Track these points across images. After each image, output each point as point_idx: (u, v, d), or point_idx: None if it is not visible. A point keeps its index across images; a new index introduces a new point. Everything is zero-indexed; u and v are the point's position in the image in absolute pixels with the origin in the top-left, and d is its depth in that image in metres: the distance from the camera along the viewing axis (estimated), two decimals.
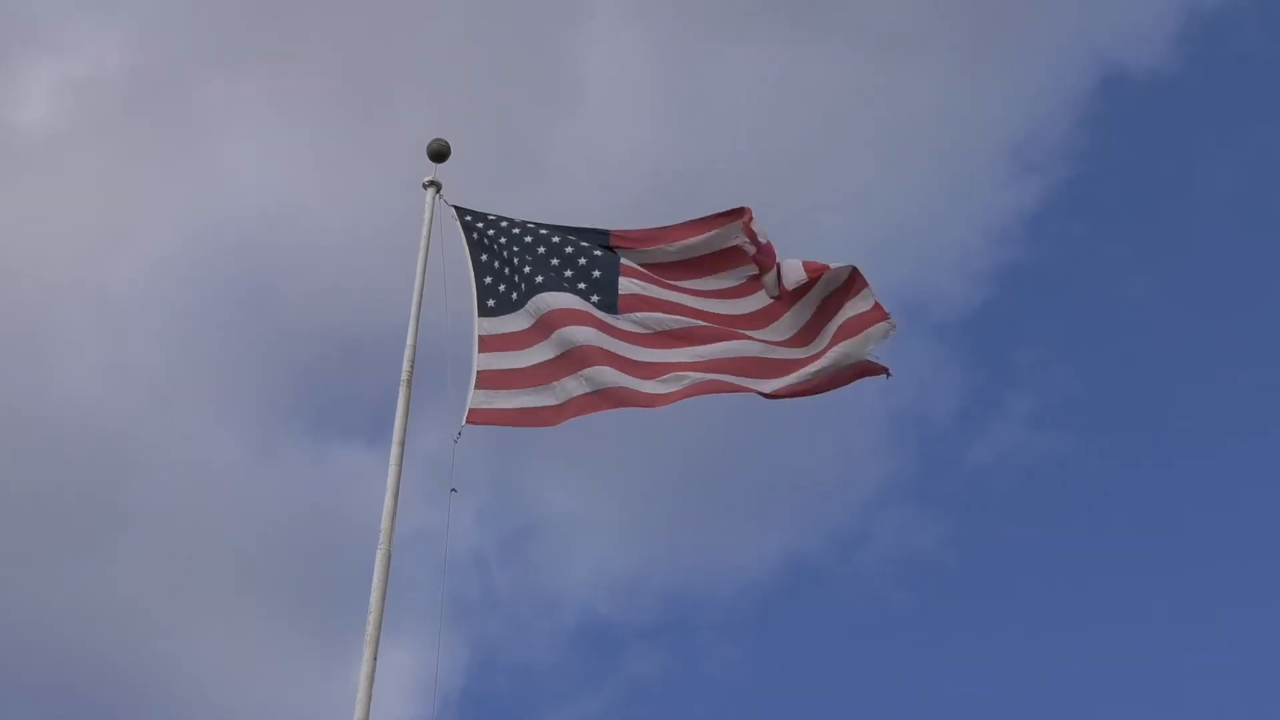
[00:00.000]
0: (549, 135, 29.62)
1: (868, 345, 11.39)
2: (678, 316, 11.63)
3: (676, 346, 11.47)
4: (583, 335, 11.31)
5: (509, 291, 11.63)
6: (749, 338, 11.55)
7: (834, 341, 11.41)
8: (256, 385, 28.90)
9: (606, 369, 11.20)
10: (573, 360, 11.25)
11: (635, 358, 11.37)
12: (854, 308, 11.47)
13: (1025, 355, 32.36)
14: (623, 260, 11.84)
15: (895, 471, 30.35)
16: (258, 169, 30.22)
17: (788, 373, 11.43)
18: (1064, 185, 33.14)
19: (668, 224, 12.08)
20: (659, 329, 11.54)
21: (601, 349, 11.29)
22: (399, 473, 10.75)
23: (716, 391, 11.30)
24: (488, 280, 11.69)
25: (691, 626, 29.12)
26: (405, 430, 10.93)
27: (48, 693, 25.65)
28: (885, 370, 11.39)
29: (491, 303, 11.57)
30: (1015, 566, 29.86)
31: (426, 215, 11.84)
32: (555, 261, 11.75)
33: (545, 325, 11.42)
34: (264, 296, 28.95)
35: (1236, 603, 28.31)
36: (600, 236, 11.96)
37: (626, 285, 11.69)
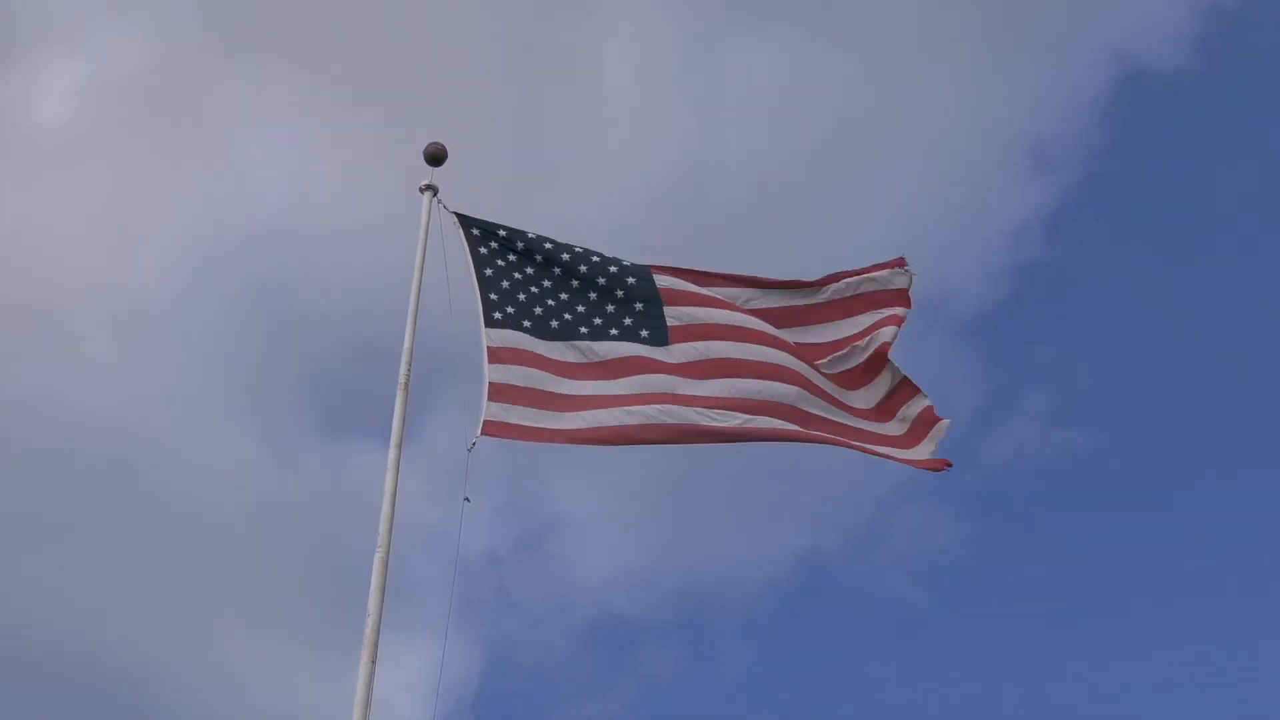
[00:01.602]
0: (565, 133, 29.62)
1: (930, 447, 11.80)
2: (728, 342, 11.70)
3: (728, 376, 11.52)
4: (630, 384, 11.37)
5: (520, 315, 11.54)
6: (807, 384, 11.64)
7: (899, 441, 11.77)
8: (272, 386, 28.98)
9: (650, 408, 11.25)
10: (612, 399, 11.26)
11: (685, 391, 11.40)
12: (914, 406, 11.89)
13: (1042, 353, 32.32)
14: (661, 284, 11.85)
15: (912, 470, 30.18)
16: (274, 168, 30.30)
17: (844, 435, 11.62)
18: (1082, 183, 33.07)
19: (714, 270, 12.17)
20: (710, 356, 11.60)
21: (650, 393, 11.33)
22: (396, 476, 10.72)
23: (773, 439, 11.41)
24: (493, 296, 11.57)
25: (707, 625, 29.13)
26: (403, 434, 10.90)
27: (63, 693, 25.73)
28: (946, 464, 11.80)
29: (498, 315, 11.46)
30: (1032, 565, 29.81)
31: (423, 219, 11.79)
32: (593, 296, 11.77)
33: (565, 370, 11.39)
34: (280, 296, 29.00)
35: (1257, 599, 28.24)
36: (641, 272, 11.95)
37: (673, 314, 11.75)
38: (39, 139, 30.82)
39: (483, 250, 11.78)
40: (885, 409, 11.89)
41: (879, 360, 11.93)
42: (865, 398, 11.91)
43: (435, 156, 11.96)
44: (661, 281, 11.87)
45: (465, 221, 11.91)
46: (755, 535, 29.30)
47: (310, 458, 28.58)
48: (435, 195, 11.91)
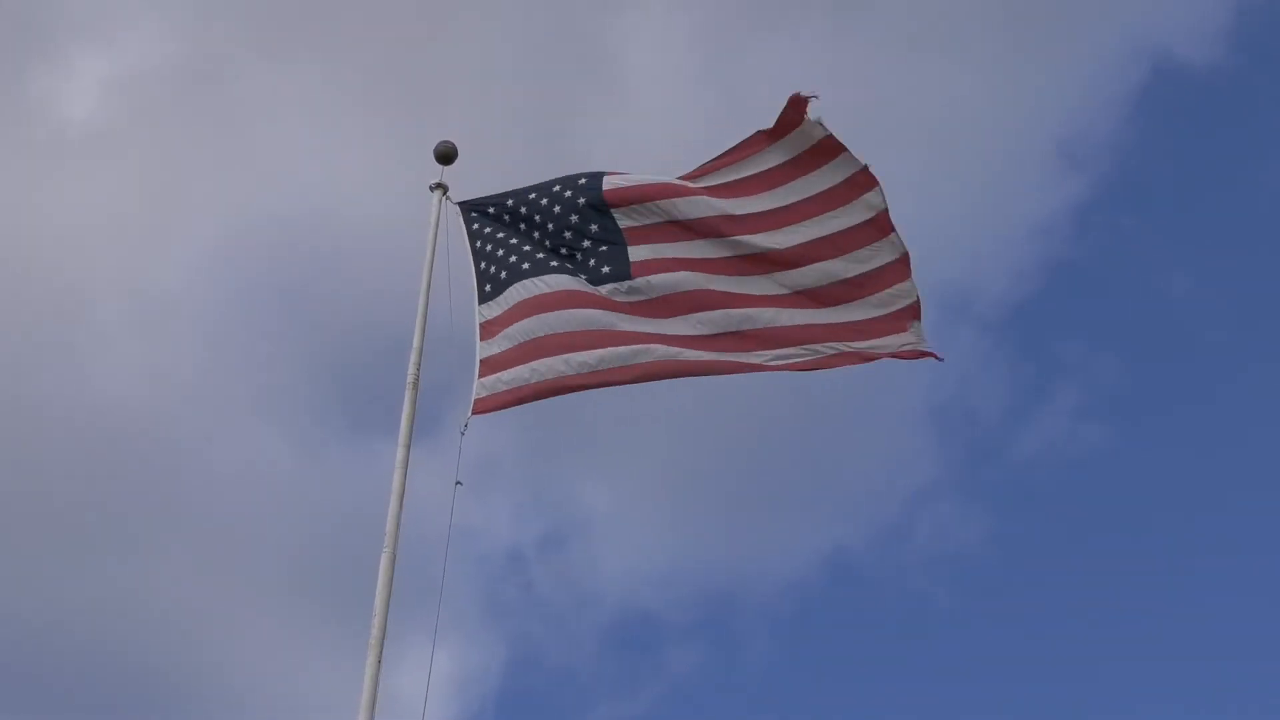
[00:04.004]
0: (589, 129, 29.55)
1: (905, 336, 11.10)
2: (691, 273, 11.35)
3: (684, 313, 11.23)
4: (580, 317, 11.20)
5: (499, 271, 11.55)
6: (757, 298, 11.23)
7: (864, 325, 11.11)
8: (299, 382, 28.97)
9: (598, 350, 11.06)
10: (563, 343, 11.11)
11: (633, 329, 11.17)
12: (878, 254, 11.15)
13: (1070, 349, 32.17)
14: (622, 224, 11.57)
15: (940, 465, 30.20)
16: (300, 164, 30.26)
17: (798, 342, 11.12)
18: (1112, 180, 32.89)
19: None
20: (670, 290, 11.30)
21: (598, 331, 11.15)
22: (404, 476, 10.70)
23: (710, 373, 11.10)
24: (484, 266, 11.62)
25: (732, 623, 29.07)
26: (411, 434, 10.89)
27: (89, 693, 25.81)
28: (933, 355, 11.12)
29: (489, 288, 11.51)
30: (1058, 561, 29.67)
31: (433, 218, 11.78)
32: (554, 232, 11.60)
33: (539, 305, 11.29)
34: (306, 293, 28.98)
35: None
36: (594, 181, 11.72)
37: (637, 253, 11.47)
38: (67, 134, 30.94)
39: (475, 226, 11.83)
40: (862, 283, 11.21)
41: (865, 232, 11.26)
42: (838, 269, 11.25)
43: (446, 155, 11.96)
44: (623, 221, 11.55)
45: (465, 206, 11.95)
46: (780, 532, 29.30)
47: (336, 454, 28.59)
48: (445, 193, 11.93)
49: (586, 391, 11.12)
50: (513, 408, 11.09)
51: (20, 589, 25.84)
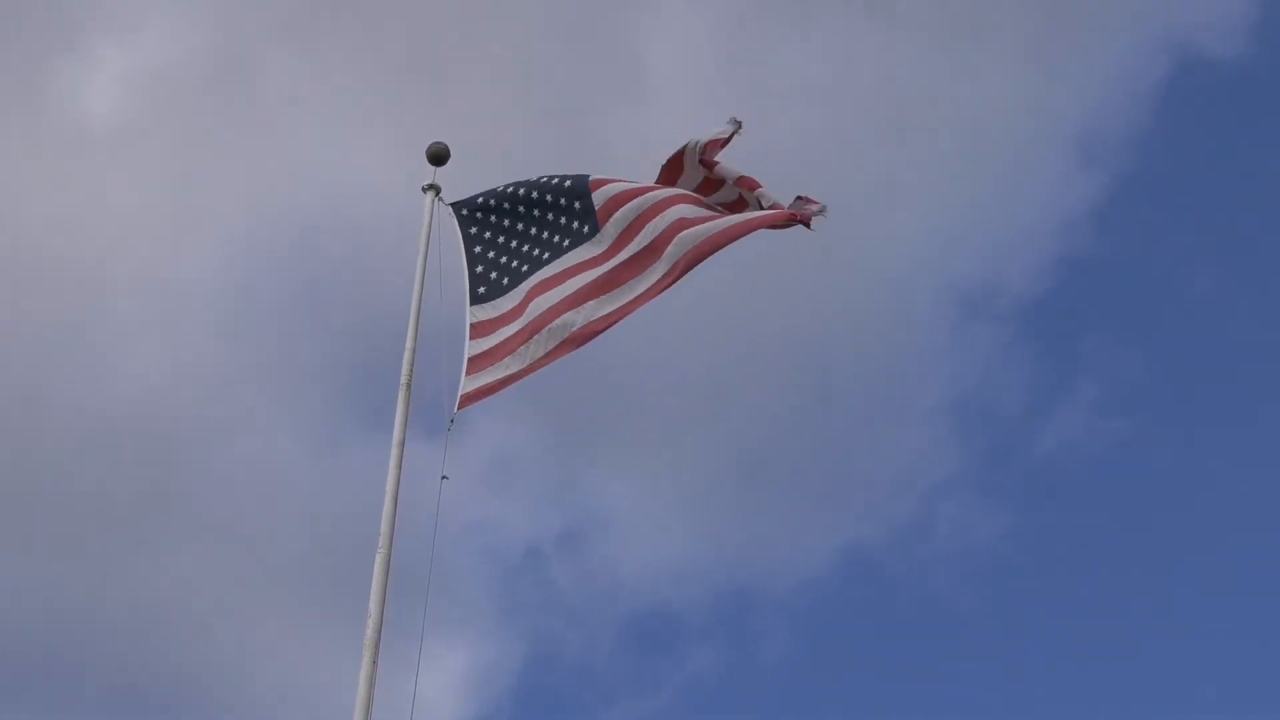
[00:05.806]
0: (610, 123, 29.58)
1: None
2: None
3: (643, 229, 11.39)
4: (556, 294, 11.38)
5: (500, 277, 11.70)
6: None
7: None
8: (314, 379, 29.03)
9: (568, 314, 11.26)
10: (540, 320, 11.31)
11: (616, 264, 11.38)
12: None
13: (1092, 345, 32.09)
14: (596, 200, 11.74)
15: (960, 460, 30.17)
16: (322, 159, 30.30)
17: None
18: (1134, 174, 32.80)
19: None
20: (630, 218, 11.46)
21: (568, 296, 11.34)
22: (398, 475, 10.77)
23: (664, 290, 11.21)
24: (479, 269, 11.76)
25: (750, 619, 29.09)
26: (404, 433, 10.96)
27: (106, 686, 25.96)
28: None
29: (482, 290, 11.68)
30: (1077, 558, 29.62)
31: (425, 219, 11.86)
32: (549, 217, 11.79)
33: (527, 299, 11.48)
34: (327, 289, 29.03)
35: None
36: (580, 180, 11.92)
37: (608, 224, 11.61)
38: (89, 128, 31.07)
39: (473, 229, 11.96)
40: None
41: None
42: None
43: (438, 156, 12.05)
44: (597, 197, 11.76)
45: (458, 206, 12.06)
46: (798, 528, 29.32)
47: (352, 451, 28.64)
48: (438, 195, 11.99)
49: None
50: (497, 393, 11.25)
51: (29, 582, 26.01)
